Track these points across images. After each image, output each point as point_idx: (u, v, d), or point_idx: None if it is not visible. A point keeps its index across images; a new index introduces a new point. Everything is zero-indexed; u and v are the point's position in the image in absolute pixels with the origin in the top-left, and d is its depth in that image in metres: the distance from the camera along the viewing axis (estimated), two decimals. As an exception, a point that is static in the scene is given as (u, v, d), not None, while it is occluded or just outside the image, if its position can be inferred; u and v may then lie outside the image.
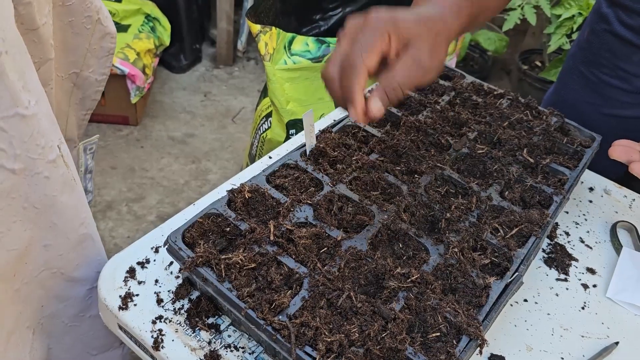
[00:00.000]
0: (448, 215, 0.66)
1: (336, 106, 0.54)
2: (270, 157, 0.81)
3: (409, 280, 0.57)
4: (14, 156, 0.54)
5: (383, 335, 0.51)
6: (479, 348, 0.53)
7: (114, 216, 1.87)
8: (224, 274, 0.55)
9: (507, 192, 0.71)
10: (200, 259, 0.55)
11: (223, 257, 0.56)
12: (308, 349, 0.49)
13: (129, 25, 2.20)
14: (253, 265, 0.56)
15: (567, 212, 0.80)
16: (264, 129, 1.20)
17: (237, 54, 2.79)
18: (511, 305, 0.66)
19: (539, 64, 2.48)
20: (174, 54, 2.59)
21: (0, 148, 0.52)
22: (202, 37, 2.82)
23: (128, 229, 1.83)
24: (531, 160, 0.76)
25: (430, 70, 0.56)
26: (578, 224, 0.79)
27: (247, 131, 2.34)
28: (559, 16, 1.96)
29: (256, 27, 1.02)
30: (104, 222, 1.82)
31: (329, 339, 0.49)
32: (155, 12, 2.34)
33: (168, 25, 2.40)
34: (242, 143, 2.27)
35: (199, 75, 2.66)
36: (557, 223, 0.78)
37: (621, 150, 0.71)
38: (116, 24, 2.06)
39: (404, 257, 0.61)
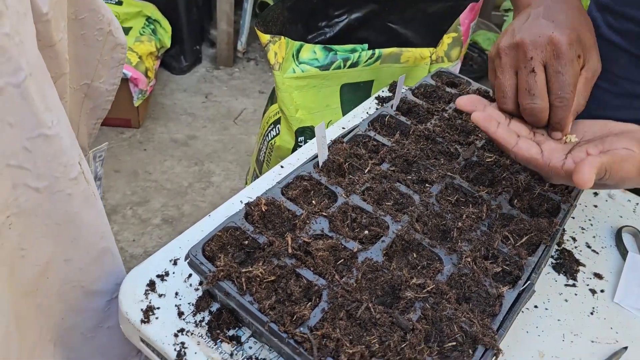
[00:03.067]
0: (459, 224, 0.67)
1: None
2: (282, 167, 0.82)
3: (425, 290, 0.58)
4: (37, 175, 0.55)
5: (402, 346, 0.52)
6: (494, 358, 0.55)
7: (119, 220, 1.88)
8: (244, 287, 0.56)
9: (516, 201, 0.73)
10: (222, 273, 0.57)
11: (243, 270, 0.57)
12: (330, 361, 0.51)
13: (130, 28, 2.21)
14: (273, 278, 0.57)
15: (573, 218, 0.82)
16: (272, 136, 1.21)
17: (237, 55, 2.80)
18: (522, 311, 0.67)
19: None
20: (174, 55, 2.60)
21: (25, 168, 0.54)
22: (202, 39, 2.83)
23: (133, 232, 1.84)
24: (539, 167, 0.77)
25: (600, 68, 0.64)
26: (584, 229, 0.81)
27: (249, 132, 2.35)
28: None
29: (265, 37, 1.04)
30: (112, 235, 1.83)
31: (350, 351, 0.51)
32: (156, 14, 2.34)
33: (169, 27, 2.41)
34: (245, 144, 2.28)
35: (200, 77, 2.67)
36: (564, 229, 0.79)
37: (468, 100, 0.68)
38: (117, 27, 2.07)
39: (419, 267, 0.63)
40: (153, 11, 2.33)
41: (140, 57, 2.10)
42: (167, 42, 2.37)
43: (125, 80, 2.03)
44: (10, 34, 0.48)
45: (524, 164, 0.62)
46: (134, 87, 2.06)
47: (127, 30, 2.19)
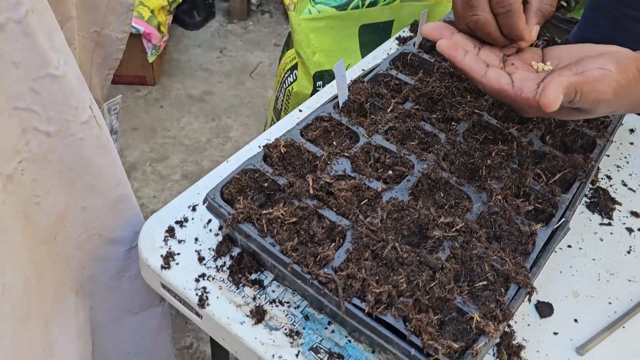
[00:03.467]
0: (488, 162, 0.64)
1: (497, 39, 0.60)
2: (300, 111, 0.79)
3: (454, 229, 0.56)
4: (47, 118, 0.53)
5: (432, 285, 0.50)
6: (528, 296, 0.52)
7: (139, 177, 1.88)
8: (265, 229, 0.54)
9: (548, 137, 0.69)
10: (241, 215, 0.55)
11: (264, 212, 0.55)
12: (356, 301, 0.49)
13: (140, -18, 2.15)
14: (294, 219, 0.55)
15: (608, 156, 0.78)
16: (289, 82, 1.17)
17: (251, 8, 2.73)
18: (555, 251, 0.65)
19: (564, 3, 2.38)
20: (186, 10, 2.55)
21: (34, 111, 0.51)
22: (214, -9, 2.76)
23: (153, 189, 1.84)
24: (572, 102, 0.73)
25: None
26: (620, 167, 0.77)
27: (266, 86, 2.31)
28: (587, -49, 1.86)
29: (279, -25, 0.99)
30: (129, 183, 1.83)
31: (377, 290, 0.48)
32: (166, -33, 2.27)
33: (180, -20, 2.34)
34: (262, 99, 2.25)
35: (214, 31, 2.62)
36: (598, 167, 0.76)
37: (434, 27, 0.61)
38: (127, -19, 2.02)
39: (446, 206, 0.60)
40: (163, -36, 2.26)
41: (152, 11, 2.05)
42: (179, -4, 2.31)
43: (137, 36, 1.99)
44: (7, -36, 0.45)
45: (494, 96, 0.57)
46: (147, 42, 2.02)
47: (137, -16, 2.14)
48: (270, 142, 0.63)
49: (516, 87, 0.55)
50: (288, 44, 1.23)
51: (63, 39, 0.57)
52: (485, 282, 0.52)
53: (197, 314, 0.57)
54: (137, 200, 0.71)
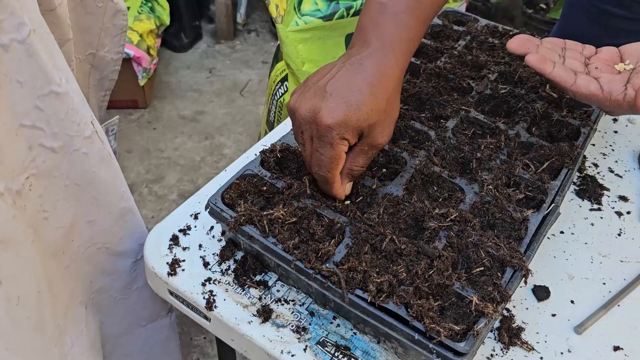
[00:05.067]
0: (478, 155, 0.66)
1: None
2: (293, 118, 0.81)
3: (448, 219, 0.58)
4: (52, 135, 0.55)
5: (430, 272, 0.52)
6: (524, 278, 0.54)
7: (136, 198, 1.89)
8: (267, 230, 0.56)
9: (534, 129, 0.72)
10: (243, 218, 0.56)
11: (265, 213, 0.57)
12: (359, 292, 0.51)
13: (128, 8, 2.18)
14: (294, 219, 0.57)
15: (593, 145, 0.80)
16: (280, 94, 1.20)
17: (237, 28, 2.77)
18: (548, 238, 0.67)
19: (543, 6, 2.43)
20: (174, 33, 2.58)
21: (39, 127, 0.53)
22: (201, 14, 2.80)
23: (151, 209, 1.85)
24: (554, 95, 0.76)
25: (384, 143, 0.58)
26: (605, 154, 0.79)
27: (256, 103, 2.34)
28: (563, -46, 1.91)
29: (265, -11, 1.02)
30: (132, 196, 1.84)
31: (378, 280, 0.50)
32: (152, -9, 2.31)
33: (166, 4, 2.38)
34: (253, 115, 2.27)
35: (202, 53, 2.65)
36: (585, 156, 0.78)
37: (519, 42, 0.64)
38: (115, 7, 2.05)
39: (440, 199, 0.62)
40: (149, -11, 2.30)
41: (140, 36, 2.08)
42: (166, 20, 2.35)
43: (128, 60, 2.02)
44: (10, -12, 0.47)
45: (584, 101, 0.61)
46: (137, 66, 2.05)
47: (125, 10, 2.17)
48: (267, 147, 0.65)
49: (605, 91, 0.59)
50: (277, 57, 1.26)
51: (63, 59, 0.59)
52: (482, 268, 0.54)
53: (206, 317, 0.59)
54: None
